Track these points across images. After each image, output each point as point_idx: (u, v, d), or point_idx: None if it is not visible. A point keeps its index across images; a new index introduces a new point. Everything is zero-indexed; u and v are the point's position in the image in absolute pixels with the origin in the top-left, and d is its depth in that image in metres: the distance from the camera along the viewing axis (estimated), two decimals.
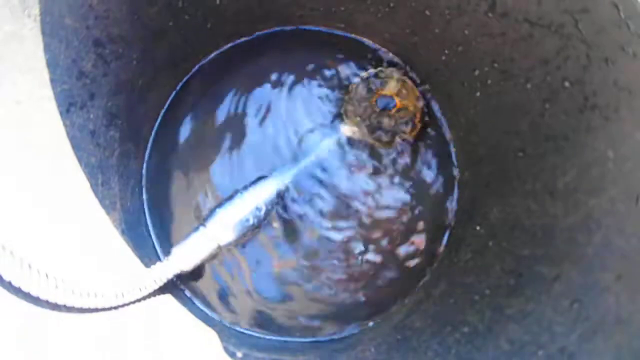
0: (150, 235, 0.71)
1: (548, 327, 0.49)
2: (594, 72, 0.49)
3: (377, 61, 0.73)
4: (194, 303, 0.70)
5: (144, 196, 0.72)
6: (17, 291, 0.48)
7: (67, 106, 0.59)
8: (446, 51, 0.64)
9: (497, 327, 0.53)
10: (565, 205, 0.53)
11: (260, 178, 0.70)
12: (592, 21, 0.48)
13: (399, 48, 0.70)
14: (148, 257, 0.69)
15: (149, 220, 0.72)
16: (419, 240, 0.68)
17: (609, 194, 0.48)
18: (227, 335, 0.67)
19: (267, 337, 0.68)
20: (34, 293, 0.49)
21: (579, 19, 0.49)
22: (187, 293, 0.70)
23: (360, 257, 0.68)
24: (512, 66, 0.58)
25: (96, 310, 0.55)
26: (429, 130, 0.71)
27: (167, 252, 0.70)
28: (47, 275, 0.50)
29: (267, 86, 0.72)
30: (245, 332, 0.69)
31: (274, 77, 0.72)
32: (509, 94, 0.58)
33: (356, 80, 0.72)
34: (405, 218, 0.69)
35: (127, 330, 0.59)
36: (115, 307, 0.58)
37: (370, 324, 0.67)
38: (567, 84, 0.53)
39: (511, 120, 0.59)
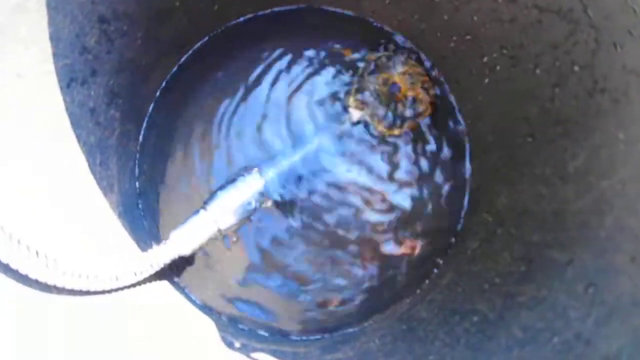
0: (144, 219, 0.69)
1: (562, 312, 0.48)
2: (602, 57, 0.49)
3: (387, 44, 0.72)
4: (189, 294, 0.67)
5: (137, 178, 0.70)
6: (6, 268, 0.46)
7: (68, 81, 0.57)
8: (454, 38, 0.64)
9: (508, 315, 0.52)
10: (576, 189, 0.52)
11: (264, 161, 0.68)
12: (600, 6, 0.49)
13: (407, 34, 0.70)
14: (144, 241, 0.66)
15: (140, 204, 0.70)
16: (426, 230, 0.66)
17: (620, 176, 0.48)
18: (225, 324, 0.65)
19: (267, 334, 0.66)
20: (22, 271, 0.46)
21: (587, 4, 0.50)
22: (182, 284, 0.68)
23: (365, 248, 0.66)
24: (521, 52, 0.58)
25: (88, 293, 0.53)
26: (438, 116, 0.70)
27: (156, 237, 0.69)
28: (37, 253, 0.48)
29: (273, 69, 0.71)
30: (244, 328, 0.66)
31: (279, 59, 0.71)
32: (518, 79, 0.58)
33: (363, 63, 0.71)
34: (411, 207, 0.67)
35: (122, 316, 0.56)
36: (109, 291, 0.56)
37: (376, 317, 0.64)
38: (576, 68, 0.53)
39: (520, 106, 0.58)
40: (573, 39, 0.52)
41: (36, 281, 0.48)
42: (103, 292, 0.55)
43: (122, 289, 0.57)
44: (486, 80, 0.62)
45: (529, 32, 0.56)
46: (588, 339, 0.44)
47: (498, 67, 0.60)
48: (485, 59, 0.61)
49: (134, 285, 0.59)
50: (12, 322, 0.45)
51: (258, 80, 0.71)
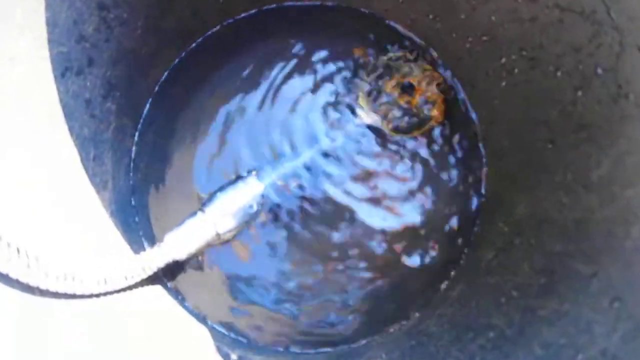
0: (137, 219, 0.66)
1: (587, 328, 0.45)
2: (626, 60, 0.47)
3: (400, 44, 0.69)
4: (183, 301, 0.63)
5: (132, 175, 0.66)
6: None
7: (63, 70, 0.54)
8: (470, 39, 0.61)
9: (528, 331, 0.49)
10: (600, 197, 0.49)
11: (267, 163, 0.65)
12: (623, 8, 0.47)
13: (421, 35, 0.67)
14: (137, 242, 0.63)
15: (134, 203, 0.66)
16: (437, 239, 0.63)
17: None
18: (221, 334, 0.61)
19: (265, 346, 0.62)
20: (2, 270, 0.43)
21: (610, 5, 0.48)
22: (177, 290, 0.64)
23: (371, 258, 0.63)
24: (542, 53, 0.55)
25: (74, 296, 0.49)
26: (452, 120, 0.66)
27: (150, 239, 0.65)
28: (18, 251, 0.44)
29: (279, 67, 0.68)
30: (240, 339, 0.62)
31: (285, 57, 0.68)
32: (538, 82, 0.56)
33: (374, 63, 0.68)
34: (421, 215, 0.63)
35: (111, 322, 0.52)
36: (96, 295, 0.52)
37: (382, 331, 0.60)
38: (599, 71, 0.51)
39: (540, 109, 0.56)
40: (596, 41, 0.50)
41: (17, 281, 0.45)
42: (90, 296, 0.51)
43: (110, 293, 0.53)
44: (503, 83, 0.59)
45: (550, 32, 0.54)
46: (614, 355, 0.42)
47: (516, 70, 0.58)
48: (502, 61, 0.59)
49: (123, 290, 0.55)
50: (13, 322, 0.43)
51: (263, 78, 0.68)
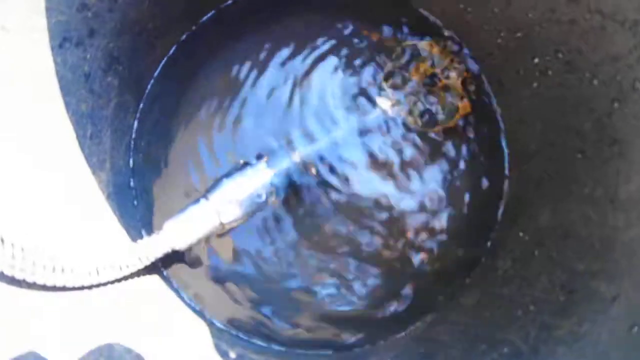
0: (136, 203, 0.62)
1: (604, 353, 0.44)
2: None
3: (426, 32, 0.65)
4: (181, 294, 0.60)
5: (132, 155, 0.62)
6: None
7: (61, 40, 0.50)
8: (503, 34, 0.57)
9: (543, 350, 0.47)
10: (628, 216, 0.47)
11: (277, 149, 0.61)
12: None
13: (450, 25, 0.63)
14: (135, 229, 0.59)
15: (134, 186, 0.62)
16: (451, 242, 0.60)
17: None
18: (219, 330, 0.59)
19: (265, 344, 0.60)
20: None
21: None
22: (175, 283, 0.61)
23: (381, 256, 0.60)
24: (579, 58, 0.52)
25: (64, 288, 0.46)
26: (475, 117, 0.63)
27: (149, 226, 0.61)
28: (2, 241, 0.41)
29: (293, 47, 0.63)
30: (241, 336, 0.60)
31: (301, 37, 0.63)
32: (573, 88, 0.52)
33: (398, 50, 0.64)
34: (436, 214, 0.61)
35: (104, 316, 0.49)
36: (89, 287, 0.49)
37: (389, 335, 0.58)
38: (638, 85, 0.48)
39: (572, 117, 0.53)
40: (636, 53, 0.47)
41: (1, 274, 0.42)
42: (81, 288, 0.48)
43: (103, 284, 0.50)
44: (535, 84, 0.56)
45: (589, 38, 0.51)
46: None
47: (550, 72, 0.54)
48: (536, 61, 0.55)
49: (118, 281, 0.52)
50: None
51: (276, 58, 0.63)
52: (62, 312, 0.46)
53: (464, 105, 0.61)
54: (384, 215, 0.61)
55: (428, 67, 0.63)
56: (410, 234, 0.60)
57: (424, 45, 0.64)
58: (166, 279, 0.61)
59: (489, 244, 0.59)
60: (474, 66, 0.64)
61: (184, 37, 0.64)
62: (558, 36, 0.53)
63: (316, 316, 0.59)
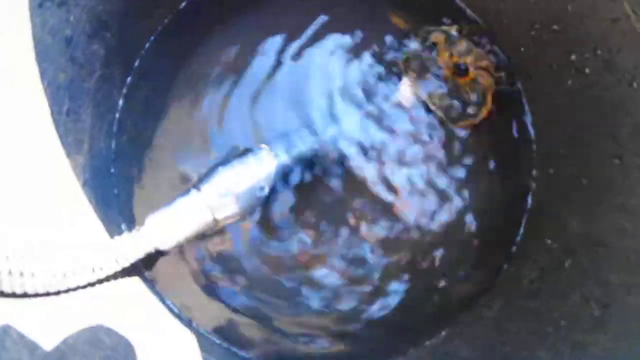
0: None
1: None
2: None
3: (454, 18, 0.59)
4: (165, 299, 0.53)
5: (115, 136, 0.54)
6: None
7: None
8: (537, 25, 0.53)
9: None
10: None
11: (281, 136, 0.54)
12: None
13: (481, 12, 0.58)
14: (115, 222, 0.51)
15: (114, 172, 0.53)
16: (471, 246, 0.56)
17: None
18: (209, 342, 0.52)
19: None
20: None
21: None
22: (158, 288, 0.53)
23: (394, 261, 0.55)
24: (619, 59, 0.49)
25: (24, 295, 0.39)
26: (503, 112, 0.58)
27: (130, 219, 0.53)
28: None
29: (304, 27, 0.57)
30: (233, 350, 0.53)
31: (312, 16, 0.57)
32: (611, 89, 0.49)
33: (422, 36, 0.59)
34: (456, 216, 0.56)
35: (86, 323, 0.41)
36: (55, 293, 0.41)
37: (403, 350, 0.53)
38: None
39: (609, 120, 0.50)
40: None
41: None
42: (46, 294, 0.40)
43: (73, 290, 0.42)
44: (570, 81, 0.52)
45: (631, 39, 0.48)
46: None
47: (587, 70, 0.51)
48: (572, 57, 0.52)
49: (91, 285, 0.44)
50: None
51: (288, 36, 0.57)
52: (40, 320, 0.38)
53: (489, 99, 0.57)
54: (396, 218, 0.55)
55: (453, 56, 0.58)
56: (425, 236, 0.55)
57: (449, 31, 0.58)
58: (149, 283, 0.53)
59: (513, 248, 0.56)
60: (503, 58, 0.59)
61: (183, 4, 0.56)
62: (598, 33, 0.50)
63: (320, 328, 0.54)
